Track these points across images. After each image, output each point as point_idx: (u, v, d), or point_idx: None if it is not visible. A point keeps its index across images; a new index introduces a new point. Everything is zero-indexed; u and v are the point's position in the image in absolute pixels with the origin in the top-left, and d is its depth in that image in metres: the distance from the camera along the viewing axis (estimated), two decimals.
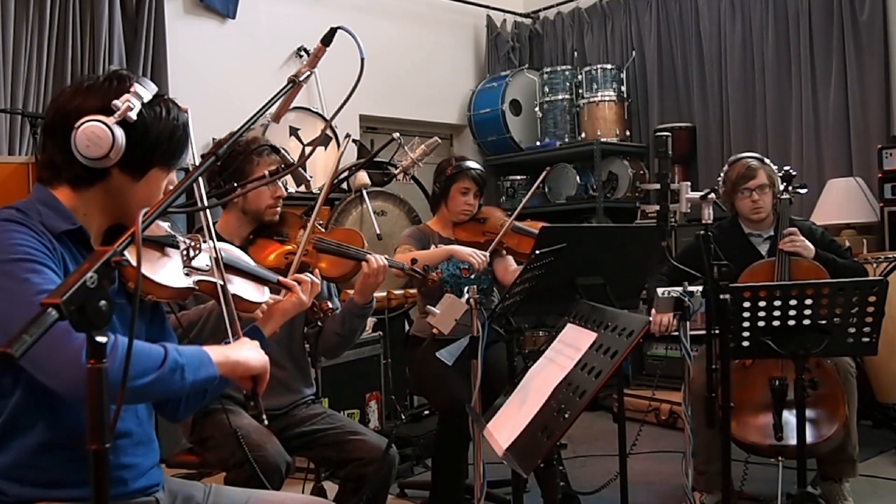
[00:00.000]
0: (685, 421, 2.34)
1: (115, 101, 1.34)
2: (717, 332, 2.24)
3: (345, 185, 4.47)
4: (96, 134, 1.33)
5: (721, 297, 2.20)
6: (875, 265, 3.89)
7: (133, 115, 1.35)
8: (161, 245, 1.48)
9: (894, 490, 3.20)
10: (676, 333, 2.32)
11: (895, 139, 4.60)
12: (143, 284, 1.37)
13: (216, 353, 1.41)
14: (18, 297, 1.22)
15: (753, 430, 2.76)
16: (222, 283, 1.56)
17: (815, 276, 2.81)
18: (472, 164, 3.21)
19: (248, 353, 1.47)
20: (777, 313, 2.29)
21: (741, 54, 5.29)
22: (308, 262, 2.33)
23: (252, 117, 1.41)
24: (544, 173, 3.72)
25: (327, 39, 1.61)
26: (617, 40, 5.95)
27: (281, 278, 1.81)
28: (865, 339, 2.30)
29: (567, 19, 6.27)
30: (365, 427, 2.45)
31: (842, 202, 4.51)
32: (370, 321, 3.98)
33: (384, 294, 3.92)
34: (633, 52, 5.81)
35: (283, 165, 2.18)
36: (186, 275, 1.49)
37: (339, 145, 4.74)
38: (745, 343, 2.34)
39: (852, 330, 2.29)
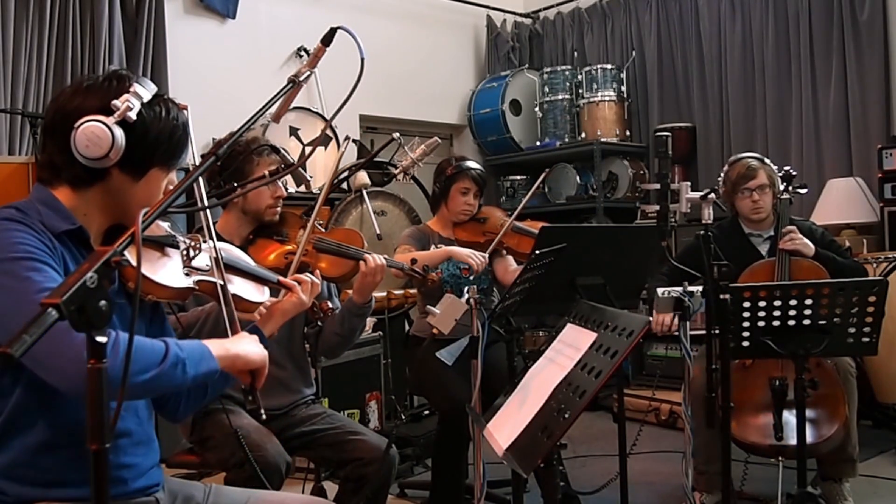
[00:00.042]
0: (685, 421, 2.34)
1: (115, 101, 1.34)
2: (717, 332, 2.24)
3: (345, 185, 4.47)
4: (96, 134, 1.33)
5: (721, 297, 2.19)
6: (875, 265, 3.89)
7: (133, 115, 1.35)
8: (161, 245, 1.48)
9: (894, 490, 3.20)
10: (676, 333, 2.32)
11: (895, 139, 4.60)
12: (143, 284, 1.37)
13: (216, 346, 1.41)
14: (19, 296, 1.22)
15: (753, 430, 2.76)
16: (222, 283, 1.56)
17: (815, 276, 2.81)
18: (472, 164, 3.21)
19: (247, 346, 1.47)
20: (777, 313, 2.29)
21: (741, 54, 5.29)
22: (308, 262, 2.33)
23: (252, 117, 1.41)
24: (544, 174, 3.72)
25: (327, 39, 1.61)
26: (617, 40, 5.95)
27: (281, 278, 1.81)
28: (865, 339, 2.30)
29: (567, 19, 6.27)
30: (365, 427, 2.45)
31: (842, 202, 4.51)
32: (370, 321, 3.98)
33: (384, 294, 3.92)
34: (633, 52, 5.81)
35: (283, 165, 2.18)
36: (186, 275, 1.49)
37: (339, 145, 4.74)
38: (745, 343, 2.35)
39: (852, 330, 2.29)
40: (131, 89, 1.36)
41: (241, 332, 1.55)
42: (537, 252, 2.26)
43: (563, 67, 5.88)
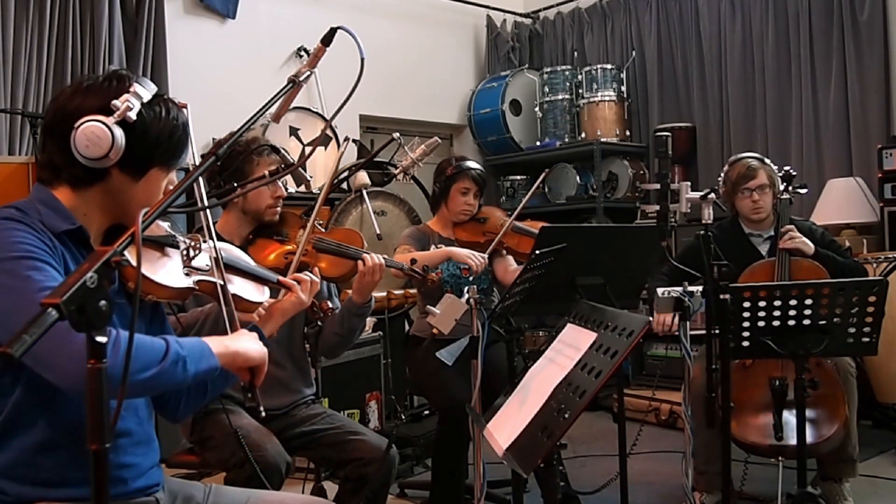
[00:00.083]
0: (685, 421, 2.34)
1: (115, 101, 1.34)
2: (717, 332, 2.24)
3: (345, 185, 4.47)
4: (96, 134, 1.33)
5: (721, 297, 2.19)
6: (875, 265, 3.89)
7: (132, 115, 1.35)
8: (161, 245, 1.48)
9: (894, 490, 3.20)
10: (676, 333, 2.32)
11: (895, 139, 4.60)
12: (143, 284, 1.37)
13: (216, 343, 1.41)
14: (20, 295, 1.22)
15: (753, 430, 2.76)
16: (222, 282, 1.56)
17: (815, 276, 2.81)
18: (472, 164, 3.21)
19: (246, 343, 1.47)
20: (777, 313, 2.29)
21: (741, 54, 5.29)
22: (308, 262, 2.33)
23: (252, 117, 1.41)
24: (544, 174, 3.72)
25: (327, 39, 1.61)
26: (617, 40, 5.95)
27: (280, 278, 1.81)
28: (865, 339, 2.30)
29: (567, 19, 6.27)
30: (365, 427, 2.45)
31: (842, 202, 4.51)
32: (370, 321, 3.98)
33: (384, 294, 3.92)
34: (633, 52, 5.81)
35: (283, 165, 2.18)
36: (186, 275, 1.49)
37: (339, 145, 4.74)
38: (745, 343, 2.35)
39: (852, 330, 2.29)
40: (131, 89, 1.36)
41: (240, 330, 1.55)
42: (537, 252, 2.26)
43: (563, 67, 5.88)
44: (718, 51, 5.42)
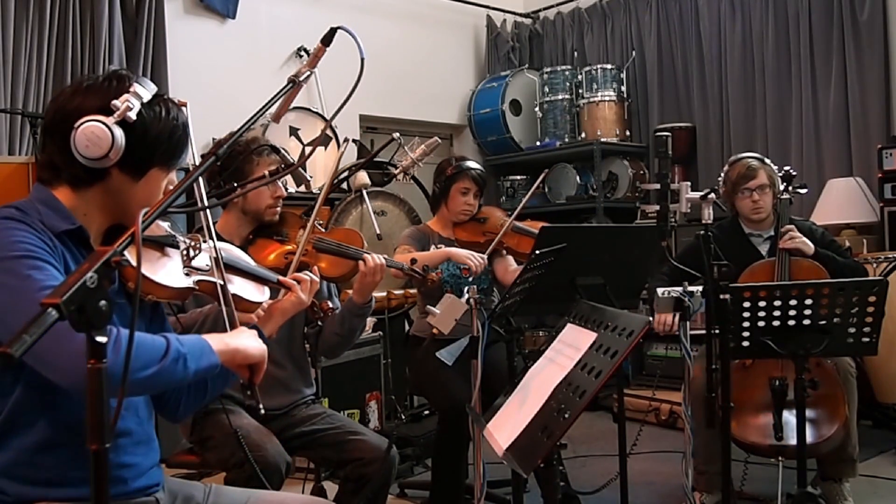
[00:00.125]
0: (685, 421, 2.34)
1: (115, 101, 1.34)
2: (717, 332, 2.24)
3: (345, 185, 4.47)
4: (96, 134, 1.33)
5: (721, 297, 2.19)
6: (875, 265, 3.89)
7: (132, 115, 1.35)
8: (161, 245, 1.48)
9: (894, 490, 3.20)
10: (676, 333, 2.32)
11: (895, 139, 4.60)
12: (143, 284, 1.37)
13: (215, 340, 1.41)
14: (21, 294, 1.22)
15: (753, 430, 2.76)
16: (222, 282, 1.56)
17: (815, 276, 2.81)
18: (472, 164, 3.21)
19: (246, 340, 1.47)
20: (777, 313, 2.29)
21: (741, 54, 5.29)
22: (308, 262, 2.32)
23: (252, 117, 1.41)
24: (544, 174, 3.72)
25: (327, 39, 1.61)
26: (617, 40, 5.95)
27: (281, 277, 1.81)
28: (865, 339, 2.30)
29: (567, 19, 6.27)
30: (365, 427, 2.45)
31: (842, 202, 4.51)
32: (370, 321, 3.98)
33: (384, 294, 3.92)
34: (633, 52, 5.81)
35: (283, 165, 2.18)
36: (186, 275, 1.49)
37: (339, 145, 4.74)
38: (745, 343, 2.34)
39: (852, 330, 2.29)
40: (131, 89, 1.36)
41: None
42: (537, 252, 2.26)
43: (563, 67, 5.88)
44: (718, 51, 5.42)
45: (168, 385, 1.38)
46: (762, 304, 2.28)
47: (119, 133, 1.34)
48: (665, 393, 4.34)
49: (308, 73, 1.51)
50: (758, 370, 2.80)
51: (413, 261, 2.57)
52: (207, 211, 1.61)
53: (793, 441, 2.47)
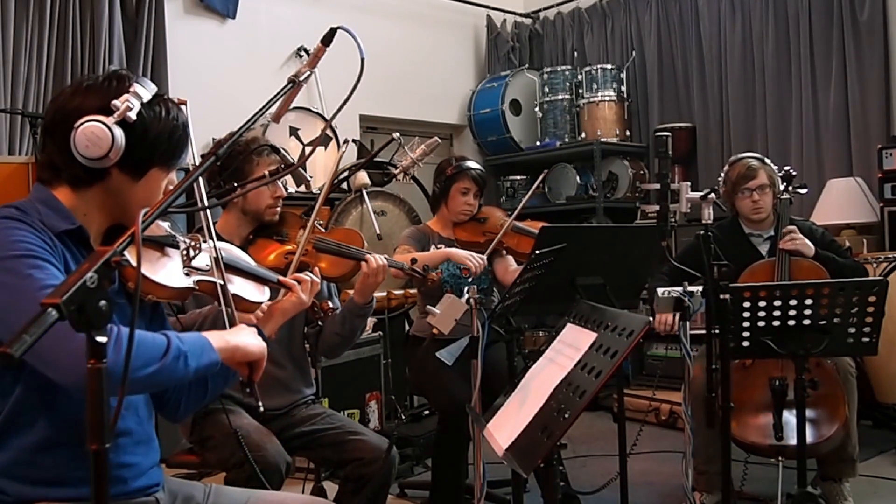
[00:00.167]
0: (685, 421, 2.34)
1: (115, 101, 1.35)
2: (717, 332, 2.24)
3: (345, 185, 4.47)
4: (96, 134, 1.33)
5: (721, 297, 2.19)
6: (875, 265, 3.89)
7: (132, 115, 1.35)
8: (161, 245, 1.48)
9: (894, 490, 3.20)
10: (676, 333, 2.32)
11: (895, 139, 4.60)
12: (143, 284, 1.37)
13: (215, 338, 1.41)
14: (22, 293, 1.22)
15: (753, 430, 2.76)
16: (222, 282, 1.56)
17: (815, 276, 2.81)
18: (472, 164, 3.21)
19: (245, 338, 1.47)
20: (777, 313, 2.29)
21: (741, 54, 5.29)
22: (308, 262, 2.32)
23: (252, 117, 1.41)
24: (544, 174, 3.72)
25: (327, 39, 1.61)
26: (617, 40, 5.95)
27: (281, 278, 1.81)
28: (865, 339, 2.30)
29: (567, 19, 6.27)
30: (365, 427, 2.45)
31: (842, 202, 4.51)
32: (370, 321, 3.98)
33: (384, 294, 3.91)
34: (633, 52, 5.81)
35: (283, 165, 2.18)
36: (186, 275, 1.49)
37: (339, 145, 4.74)
38: (745, 343, 2.34)
39: (852, 330, 2.29)
40: (131, 89, 1.36)
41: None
42: (537, 252, 2.26)
43: (563, 67, 5.88)
44: (718, 51, 5.42)
45: (169, 383, 1.38)
46: (762, 304, 2.28)
47: (119, 133, 1.34)
48: (665, 393, 4.34)
49: (308, 73, 1.51)
50: (758, 370, 2.80)
51: (413, 261, 2.57)
52: (207, 211, 1.61)
53: (793, 441, 2.47)
